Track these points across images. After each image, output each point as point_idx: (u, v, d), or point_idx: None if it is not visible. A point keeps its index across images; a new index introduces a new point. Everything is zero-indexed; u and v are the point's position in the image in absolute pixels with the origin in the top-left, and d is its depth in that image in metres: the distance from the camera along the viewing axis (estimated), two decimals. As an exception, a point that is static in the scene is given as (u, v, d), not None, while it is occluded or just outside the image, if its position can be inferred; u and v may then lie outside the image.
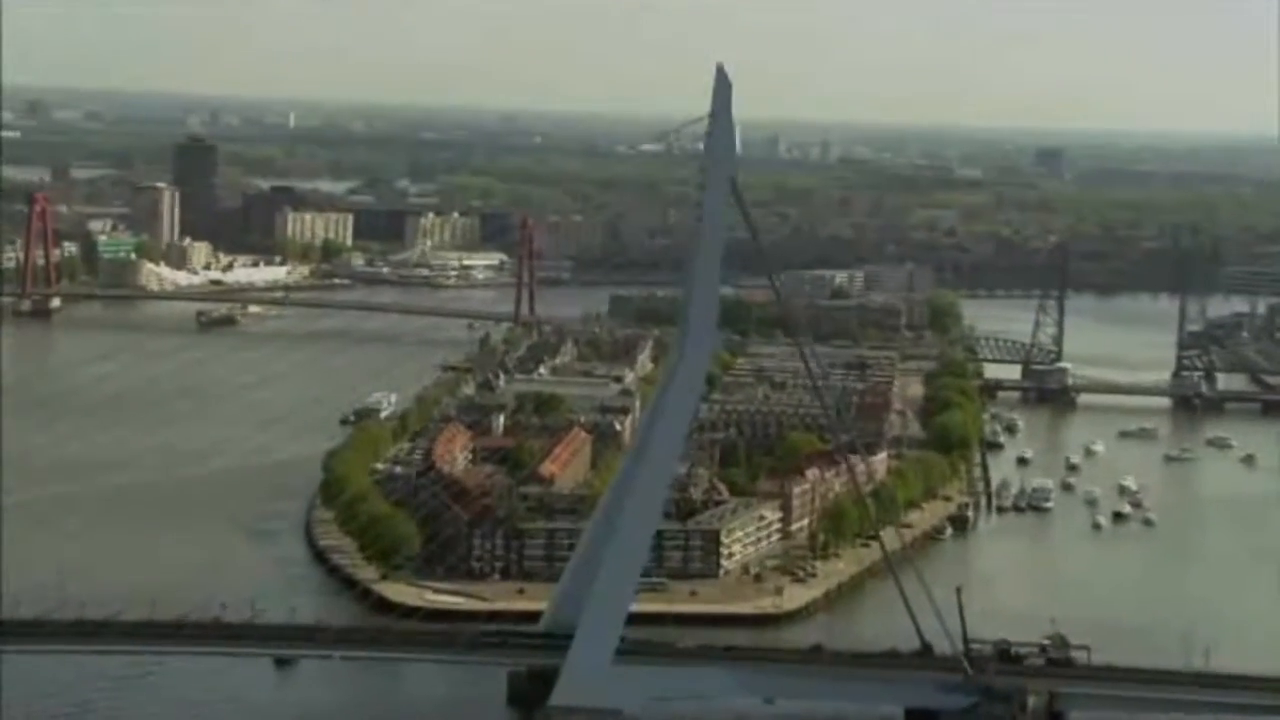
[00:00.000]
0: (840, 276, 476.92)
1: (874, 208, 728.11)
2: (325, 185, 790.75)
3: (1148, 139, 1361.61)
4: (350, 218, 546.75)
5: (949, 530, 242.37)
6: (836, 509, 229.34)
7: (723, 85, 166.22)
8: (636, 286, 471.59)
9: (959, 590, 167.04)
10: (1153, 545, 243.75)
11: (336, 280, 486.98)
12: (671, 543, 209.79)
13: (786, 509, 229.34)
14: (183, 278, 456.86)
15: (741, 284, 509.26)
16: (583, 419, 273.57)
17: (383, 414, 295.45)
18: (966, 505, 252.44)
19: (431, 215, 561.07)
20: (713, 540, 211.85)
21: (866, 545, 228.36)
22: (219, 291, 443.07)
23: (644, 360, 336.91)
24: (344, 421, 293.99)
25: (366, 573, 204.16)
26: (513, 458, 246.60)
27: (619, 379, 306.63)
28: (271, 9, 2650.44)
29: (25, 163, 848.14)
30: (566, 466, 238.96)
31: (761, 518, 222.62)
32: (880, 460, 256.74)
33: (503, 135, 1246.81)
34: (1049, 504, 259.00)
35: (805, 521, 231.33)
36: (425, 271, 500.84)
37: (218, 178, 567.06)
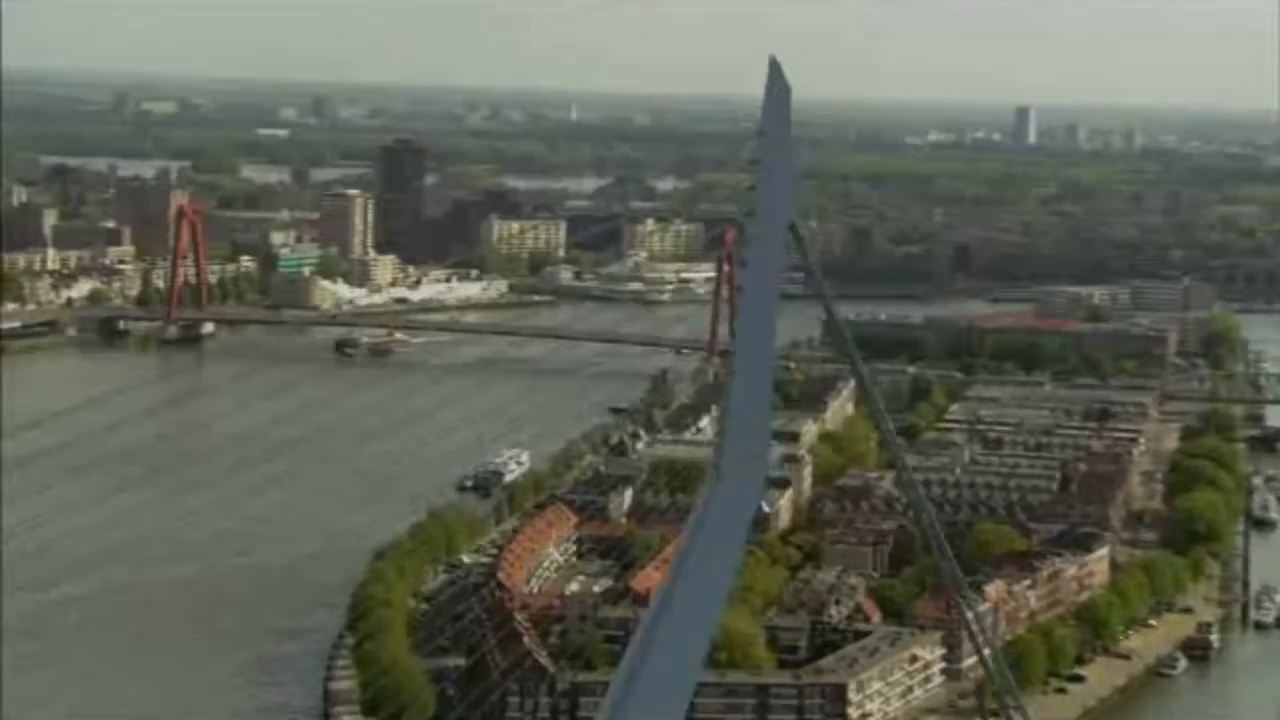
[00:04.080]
0: (1100, 294, 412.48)
1: (1169, 205, 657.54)
2: (585, 183, 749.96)
3: None
4: (562, 225, 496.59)
5: (1182, 662, 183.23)
6: (1022, 642, 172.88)
7: (778, 91, 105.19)
8: (876, 301, 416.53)
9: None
10: None
11: (537, 297, 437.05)
12: (781, 701, 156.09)
13: (953, 641, 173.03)
14: (362, 296, 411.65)
15: (999, 297, 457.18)
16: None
17: (507, 478, 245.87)
18: (1209, 625, 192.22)
19: (650, 221, 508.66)
20: (837, 698, 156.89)
21: (1063, 691, 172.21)
22: (365, 316, 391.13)
23: (839, 407, 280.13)
24: (461, 488, 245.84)
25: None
26: (621, 554, 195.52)
27: (795, 436, 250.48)
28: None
29: (284, 162, 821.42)
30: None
31: (914, 658, 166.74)
32: (1099, 558, 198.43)
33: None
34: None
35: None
36: (638, 286, 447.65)
37: (425, 182, 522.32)
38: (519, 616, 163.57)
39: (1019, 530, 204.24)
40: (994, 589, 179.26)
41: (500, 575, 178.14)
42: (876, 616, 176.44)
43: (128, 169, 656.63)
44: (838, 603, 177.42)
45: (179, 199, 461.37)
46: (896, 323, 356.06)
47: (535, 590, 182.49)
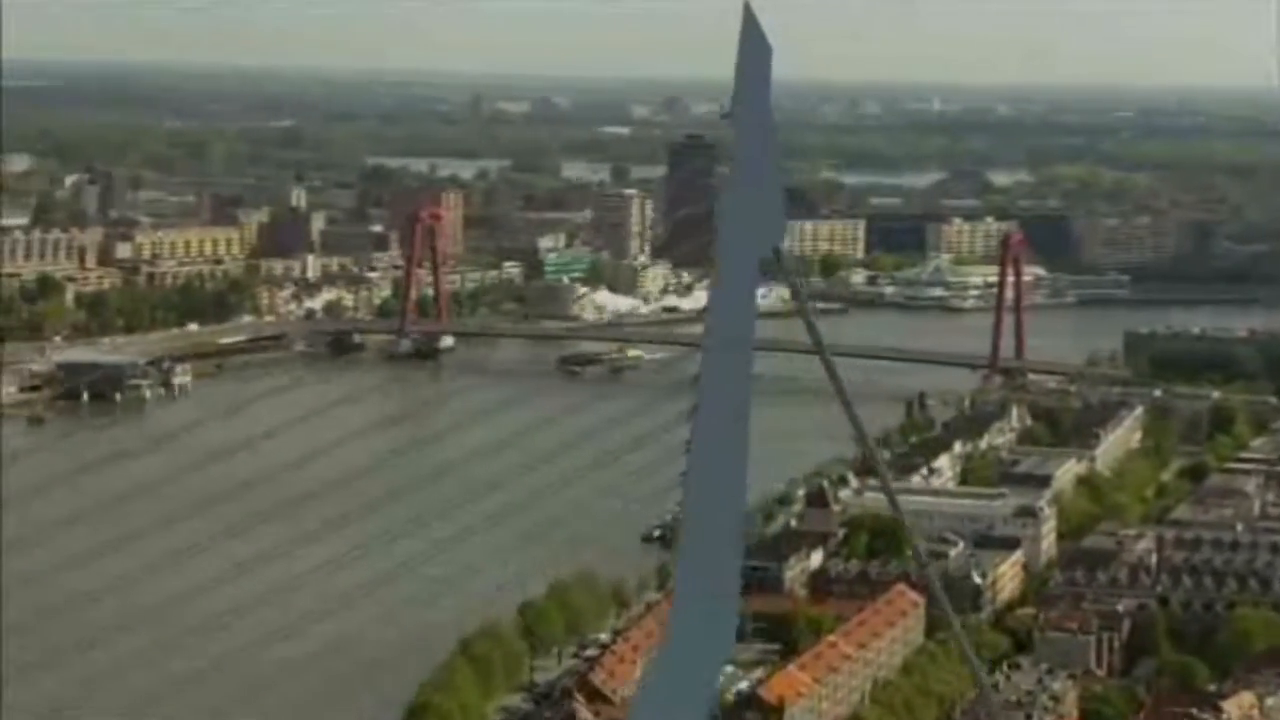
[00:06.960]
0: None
1: None
2: (925, 178, 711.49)
3: None
4: (860, 226, 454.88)
5: None
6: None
7: (754, 53, 55.98)
8: (1205, 308, 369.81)
9: None
10: None
11: (825, 304, 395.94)
12: None
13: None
14: (626, 305, 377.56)
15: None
16: (954, 554, 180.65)
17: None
18: None
19: (959, 220, 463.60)
20: None
21: None
22: (617, 327, 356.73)
23: (1116, 441, 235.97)
24: (647, 539, 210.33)
25: None
26: (786, 638, 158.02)
27: (1044, 480, 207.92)
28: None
29: (621, 160, 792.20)
30: (832, 670, 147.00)
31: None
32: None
33: (1166, 116, 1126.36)
34: None
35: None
36: (939, 291, 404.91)
37: (715, 180, 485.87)
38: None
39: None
40: (1236, 703, 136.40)
41: (598, 674, 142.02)
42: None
43: (449, 169, 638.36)
44: (1028, 717, 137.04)
45: (450, 201, 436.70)
46: (1212, 335, 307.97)
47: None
